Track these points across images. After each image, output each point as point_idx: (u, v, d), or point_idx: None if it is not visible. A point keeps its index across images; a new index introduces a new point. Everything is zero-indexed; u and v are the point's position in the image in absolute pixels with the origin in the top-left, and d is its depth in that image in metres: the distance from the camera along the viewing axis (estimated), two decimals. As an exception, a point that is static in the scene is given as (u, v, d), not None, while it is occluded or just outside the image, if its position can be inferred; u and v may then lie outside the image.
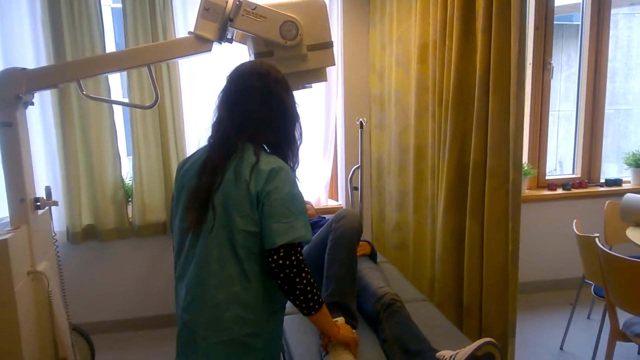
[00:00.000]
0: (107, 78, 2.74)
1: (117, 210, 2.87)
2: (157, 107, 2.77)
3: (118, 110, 2.95)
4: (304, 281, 1.27)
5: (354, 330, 1.58)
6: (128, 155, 2.92)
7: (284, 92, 1.38)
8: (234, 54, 2.29)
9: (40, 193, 1.85)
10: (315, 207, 2.99)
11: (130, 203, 2.93)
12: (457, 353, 1.38)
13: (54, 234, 1.90)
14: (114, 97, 2.88)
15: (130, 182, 2.90)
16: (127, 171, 2.96)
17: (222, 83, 1.46)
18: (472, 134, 2.20)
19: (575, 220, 2.44)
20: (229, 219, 1.28)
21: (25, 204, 1.73)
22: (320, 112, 3.11)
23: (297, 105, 1.44)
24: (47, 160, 2.77)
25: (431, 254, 2.61)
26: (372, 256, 2.28)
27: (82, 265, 2.93)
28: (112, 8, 3.61)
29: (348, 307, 1.69)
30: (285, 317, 1.48)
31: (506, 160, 2.00)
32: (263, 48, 1.76)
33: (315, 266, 1.86)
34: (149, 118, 2.81)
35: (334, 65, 1.85)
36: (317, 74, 1.87)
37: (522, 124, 1.90)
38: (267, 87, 1.36)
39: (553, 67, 3.39)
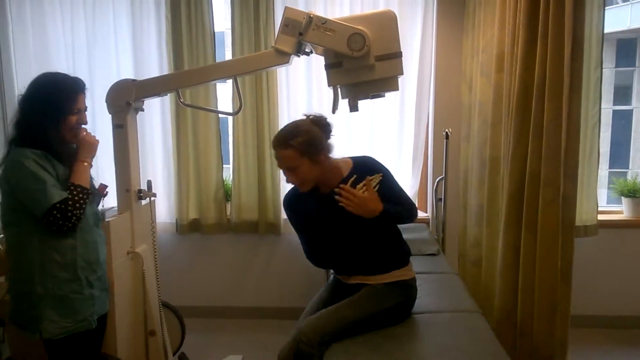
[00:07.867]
0: (213, 89, 3.09)
1: (217, 207, 3.19)
2: (255, 117, 3.06)
3: (224, 120, 3.29)
4: None
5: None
6: (225, 163, 3.24)
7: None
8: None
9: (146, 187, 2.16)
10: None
11: (229, 202, 3.23)
12: None
13: (152, 222, 2.20)
14: (220, 107, 3.22)
15: (230, 183, 3.20)
16: (227, 174, 3.27)
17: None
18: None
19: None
20: None
21: (130, 194, 2.05)
22: (410, 122, 3.11)
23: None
24: (164, 161, 3.20)
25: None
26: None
27: (187, 254, 3.30)
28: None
29: None
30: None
31: (558, 170, 1.84)
32: (333, 59, 1.87)
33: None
34: (249, 127, 3.08)
35: (402, 74, 1.87)
36: (388, 83, 1.91)
37: (576, 132, 1.73)
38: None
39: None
